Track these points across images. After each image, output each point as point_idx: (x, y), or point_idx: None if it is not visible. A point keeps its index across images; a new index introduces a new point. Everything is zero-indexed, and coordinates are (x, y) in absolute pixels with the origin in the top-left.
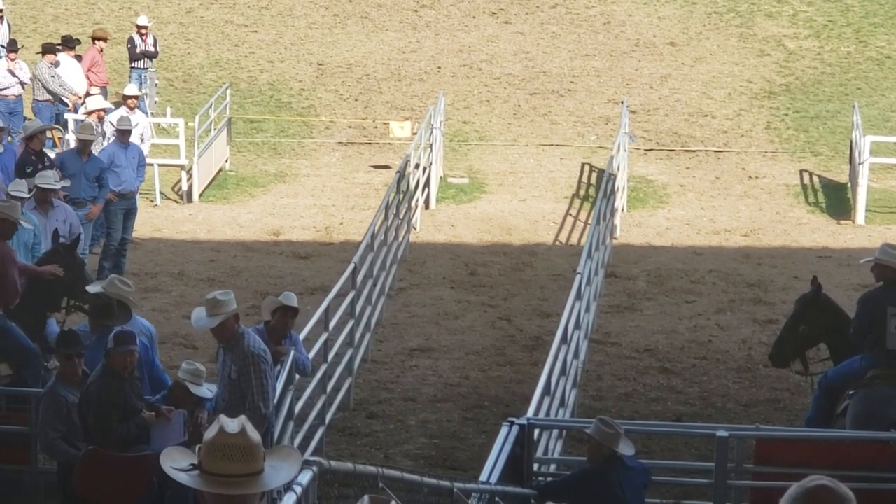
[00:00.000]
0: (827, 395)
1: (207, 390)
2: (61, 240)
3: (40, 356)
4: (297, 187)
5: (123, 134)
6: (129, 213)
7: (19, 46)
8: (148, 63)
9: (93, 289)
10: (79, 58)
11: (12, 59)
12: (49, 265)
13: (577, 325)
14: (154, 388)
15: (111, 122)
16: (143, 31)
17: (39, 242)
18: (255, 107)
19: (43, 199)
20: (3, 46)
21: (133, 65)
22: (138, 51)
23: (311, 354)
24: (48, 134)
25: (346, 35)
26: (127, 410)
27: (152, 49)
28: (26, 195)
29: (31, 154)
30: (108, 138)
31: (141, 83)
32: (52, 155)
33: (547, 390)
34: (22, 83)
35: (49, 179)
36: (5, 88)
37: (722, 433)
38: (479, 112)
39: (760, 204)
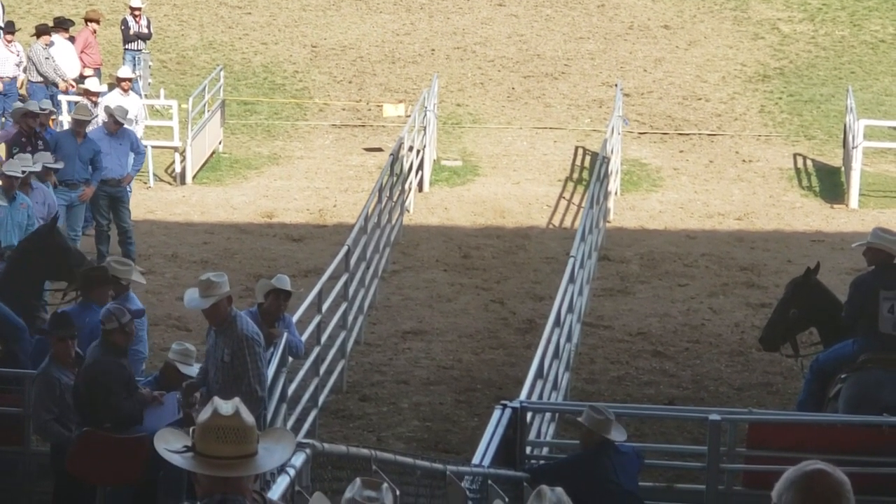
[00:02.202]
0: (818, 378)
1: (198, 370)
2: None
3: (27, 331)
4: (290, 170)
5: (114, 122)
6: (117, 201)
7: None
8: (141, 45)
9: None
10: (72, 39)
11: (8, 41)
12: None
13: (570, 309)
14: None
15: (108, 105)
16: (137, 12)
17: (33, 224)
18: (248, 89)
19: (23, 180)
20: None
21: (126, 46)
22: (132, 32)
23: (304, 337)
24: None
25: (339, 17)
26: (130, 387)
27: (146, 31)
28: (19, 174)
29: (21, 135)
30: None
31: (134, 65)
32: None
33: (540, 373)
34: (17, 64)
35: (28, 162)
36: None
37: (714, 417)
38: (472, 95)
39: (754, 188)
